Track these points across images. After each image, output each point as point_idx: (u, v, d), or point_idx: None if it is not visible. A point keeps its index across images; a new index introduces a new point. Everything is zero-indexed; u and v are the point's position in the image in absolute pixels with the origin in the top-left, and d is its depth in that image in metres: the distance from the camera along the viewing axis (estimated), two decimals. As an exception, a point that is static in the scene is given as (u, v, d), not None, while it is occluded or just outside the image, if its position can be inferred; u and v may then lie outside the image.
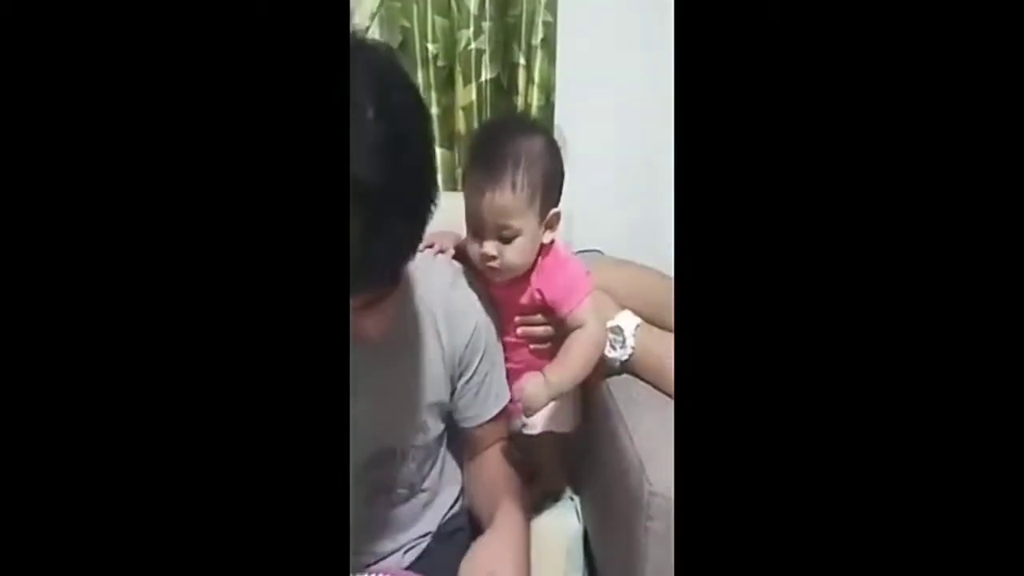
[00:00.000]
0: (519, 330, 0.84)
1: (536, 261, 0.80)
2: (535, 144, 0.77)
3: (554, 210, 0.79)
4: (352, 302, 0.54)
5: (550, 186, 0.77)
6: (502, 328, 0.84)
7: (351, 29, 0.51)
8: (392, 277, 0.61)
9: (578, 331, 0.78)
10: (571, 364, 0.78)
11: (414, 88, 0.57)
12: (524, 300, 0.81)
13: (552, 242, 0.81)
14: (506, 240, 0.77)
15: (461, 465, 0.94)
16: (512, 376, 0.86)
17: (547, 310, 0.81)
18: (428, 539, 0.89)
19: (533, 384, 0.75)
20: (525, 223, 0.76)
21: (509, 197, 0.75)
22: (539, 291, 0.80)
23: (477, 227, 0.78)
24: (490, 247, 0.77)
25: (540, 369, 0.78)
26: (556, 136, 0.81)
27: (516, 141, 0.76)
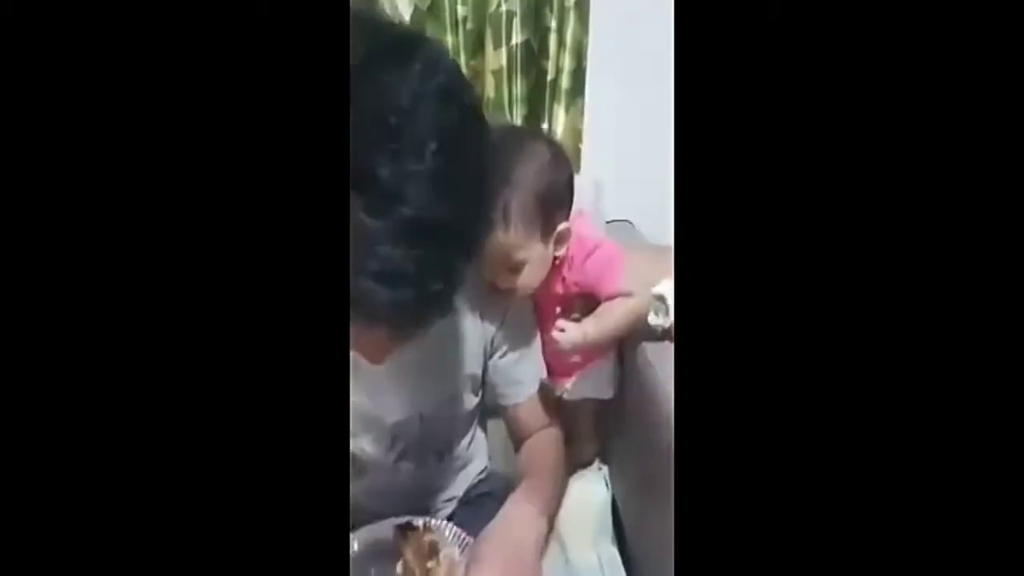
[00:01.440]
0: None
1: (565, 254, 0.78)
2: (528, 168, 0.71)
3: (563, 225, 0.75)
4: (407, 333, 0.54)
5: (552, 206, 0.73)
6: (540, 319, 0.84)
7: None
8: (448, 308, 0.57)
9: (622, 297, 0.77)
10: (609, 318, 0.77)
11: (476, 100, 0.51)
12: (561, 290, 0.81)
13: (577, 228, 0.78)
14: (513, 271, 0.74)
15: (489, 438, 0.97)
16: (552, 367, 0.87)
17: (587, 297, 0.80)
18: (455, 503, 0.92)
19: (571, 326, 0.76)
20: (528, 252, 0.73)
21: (503, 239, 0.71)
22: (575, 283, 0.79)
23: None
24: (498, 279, 0.76)
25: (580, 358, 0.79)
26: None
27: (505, 173, 0.69)
